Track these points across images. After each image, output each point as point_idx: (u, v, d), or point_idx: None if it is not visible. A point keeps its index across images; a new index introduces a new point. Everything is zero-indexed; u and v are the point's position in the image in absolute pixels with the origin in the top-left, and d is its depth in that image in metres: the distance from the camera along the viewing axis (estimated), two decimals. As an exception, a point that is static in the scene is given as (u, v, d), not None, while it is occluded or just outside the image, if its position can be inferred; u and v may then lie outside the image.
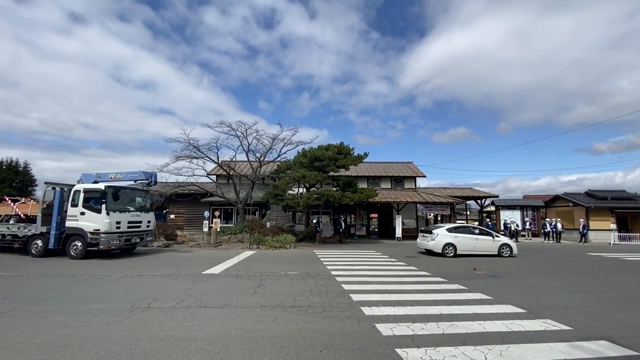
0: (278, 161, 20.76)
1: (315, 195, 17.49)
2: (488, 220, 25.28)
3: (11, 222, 12.23)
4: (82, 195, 11.07)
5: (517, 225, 24.01)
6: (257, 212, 22.27)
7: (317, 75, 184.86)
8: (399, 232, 21.09)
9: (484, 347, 3.84)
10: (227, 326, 4.44)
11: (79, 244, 10.80)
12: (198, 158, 18.77)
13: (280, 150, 20.22)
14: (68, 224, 11.03)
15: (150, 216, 12.96)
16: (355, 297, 6.15)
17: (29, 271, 8.60)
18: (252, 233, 16.21)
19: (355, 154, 18.98)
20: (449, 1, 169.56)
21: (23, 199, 13.23)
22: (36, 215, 11.68)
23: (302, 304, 5.65)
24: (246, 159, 20.52)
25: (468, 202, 29.73)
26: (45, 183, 11.95)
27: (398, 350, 3.68)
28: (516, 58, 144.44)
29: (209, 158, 19.14)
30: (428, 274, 9.00)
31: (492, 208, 28.93)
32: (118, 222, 11.12)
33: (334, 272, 8.90)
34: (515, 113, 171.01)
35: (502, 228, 24.84)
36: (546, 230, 22.89)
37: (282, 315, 4.96)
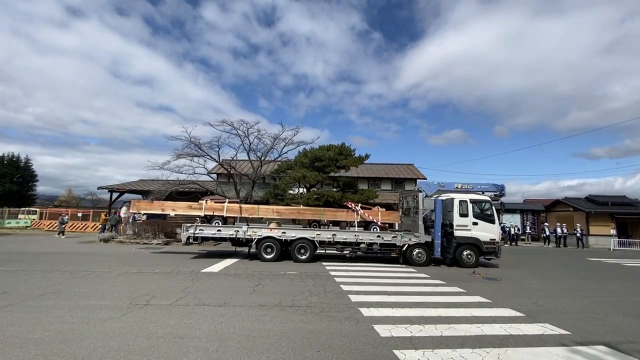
0: (279, 161, 20.72)
1: (315, 196, 17.46)
2: None
3: (372, 229, 12.31)
4: (470, 205, 11.37)
5: (518, 229, 23.97)
6: (257, 212, 22.23)
7: (315, 75, 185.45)
8: (398, 234, 21.04)
9: (482, 350, 3.83)
10: (225, 325, 4.44)
11: (471, 252, 11.05)
12: (199, 156, 18.73)
13: (282, 150, 20.16)
14: (458, 233, 11.22)
15: None
16: (354, 298, 6.15)
17: (28, 266, 8.61)
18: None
19: (357, 155, 18.97)
20: (439, 6, 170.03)
21: (353, 204, 12.49)
22: (387, 222, 12.26)
23: (300, 303, 5.65)
24: (247, 158, 20.51)
25: (468, 205, 29.59)
26: (419, 191, 11.93)
27: (396, 352, 3.67)
28: (509, 61, 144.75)
29: (210, 156, 19.10)
30: (427, 276, 8.99)
31: (493, 211, 28.85)
32: None
33: (332, 273, 8.90)
34: (511, 117, 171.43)
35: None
36: (546, 234, 22.86)
37: (280, 315, 4.96)
